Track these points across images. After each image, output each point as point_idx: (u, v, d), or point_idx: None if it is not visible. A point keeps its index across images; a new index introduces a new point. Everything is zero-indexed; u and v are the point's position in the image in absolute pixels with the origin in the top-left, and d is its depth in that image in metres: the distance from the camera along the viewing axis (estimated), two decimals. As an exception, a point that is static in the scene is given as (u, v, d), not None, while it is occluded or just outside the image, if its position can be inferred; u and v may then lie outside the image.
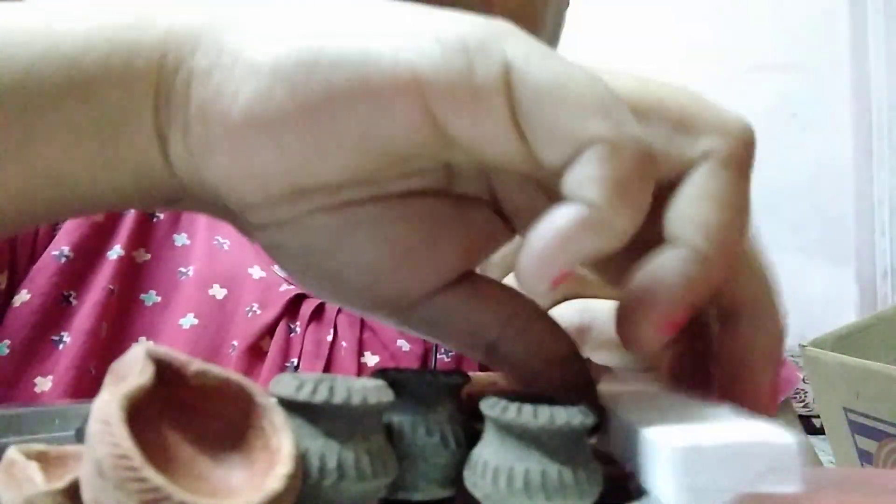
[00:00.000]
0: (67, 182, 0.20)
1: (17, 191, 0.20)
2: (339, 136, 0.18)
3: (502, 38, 0.17)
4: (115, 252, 0.41)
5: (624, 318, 0.19)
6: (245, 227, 0.21)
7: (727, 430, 0.16)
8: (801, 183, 2.41)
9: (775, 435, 0.15)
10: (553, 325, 0.22)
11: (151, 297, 0.42)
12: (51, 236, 0.41)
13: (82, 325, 0.39)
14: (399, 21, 0.18)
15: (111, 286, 0.40)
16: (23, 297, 0.39)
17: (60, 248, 0.40)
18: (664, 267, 0.18)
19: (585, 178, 0.16)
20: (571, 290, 0.27)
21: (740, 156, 0.19)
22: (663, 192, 0.19)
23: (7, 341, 0.39)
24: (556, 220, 0.16)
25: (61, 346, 0.39)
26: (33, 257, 0.41)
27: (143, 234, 0.43)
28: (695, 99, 0.19)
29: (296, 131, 0.18)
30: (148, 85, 0.19)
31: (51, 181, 0.20)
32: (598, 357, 0.26)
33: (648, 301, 0.18)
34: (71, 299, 0.40)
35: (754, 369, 0.20)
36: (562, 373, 0.21)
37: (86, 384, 0.38)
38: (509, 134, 0.17)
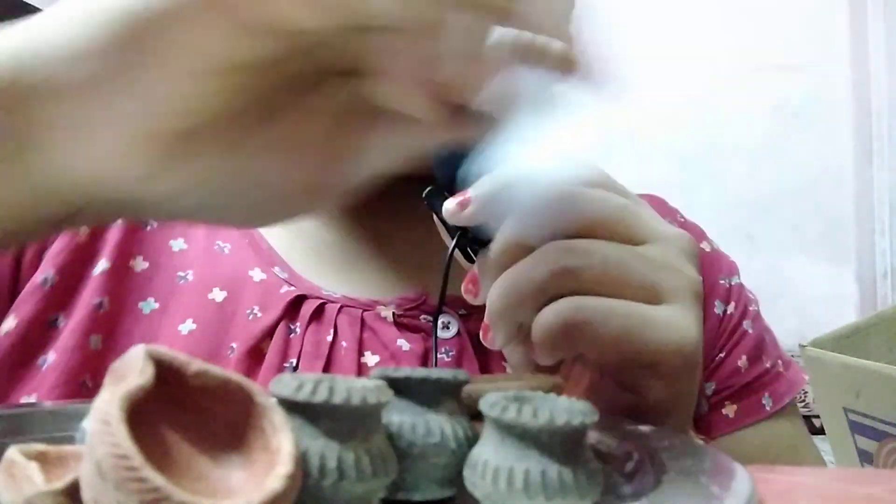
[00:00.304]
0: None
1: None
2: (172, 71, 0.19)
3: None
4: (101, 266, 0.41)
5: None
6: (154, 209, 0.22)
7: None
8: (801, 183, 2.41)
9: None
10: None
11: (150, 305, 0.42)
12: (36, 265, 0.41)
13: (66, 342, 0.39)
14: None
15: (99, 299, 0.40)
16: (9, 324, 0.39)
17: (46, 272, 0.40)
18: None
19: None
20: (566, 287, 0.27)
21: None
22: None
23: None
24: None
25: (44, 367, 0.39)
26: (16, 288, 0.41)
27: (137, 243, 0.43)
28: None
29: (122, 81, 0.19)
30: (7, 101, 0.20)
31: None
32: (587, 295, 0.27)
33: None
34: (58, 322, 0.40)
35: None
36: None
37: (81, 399, 0.38)
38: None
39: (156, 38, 0.18)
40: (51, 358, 0.39)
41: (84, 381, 0.39)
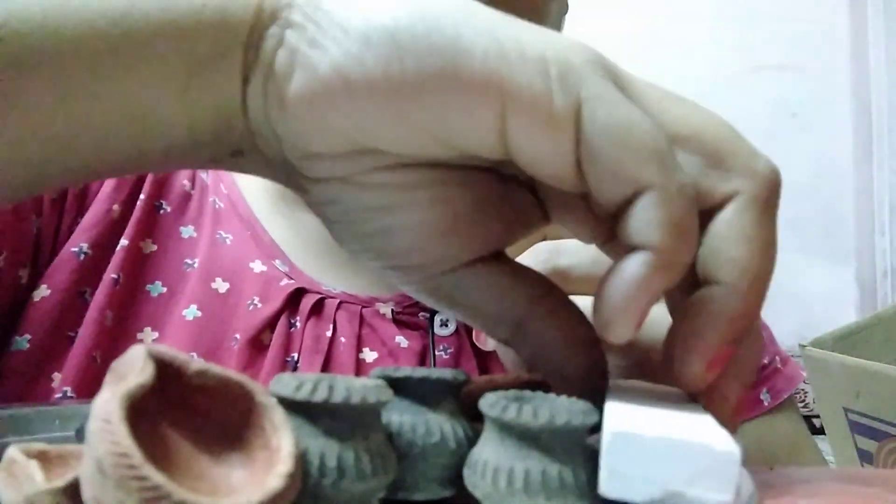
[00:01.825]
0: (146, 120, 0.20)
1: (89, 127, 0.20)
2: (415, 114, 0.19)
3: (583, 69, 0.18)
4: (123, 242, 0.42)
5: (674, 355, 0.20)
6: (300, 182, 0.22)
7: (674, 425, 0.16)
8: (801, 183, 2.41)
9: (719, 440, 0.15)
10: (579, 311, 0.23)
11: (157, 288, 0.42)
12: (70, 232, 0.41)
13: (91, 315, 0.40)
14: (483, 19, 0.19)
15: (116, 275, 0.41)
16: (42, 292, 0.40)
17: (79, 244, 0.41)
18: (708, 306, 0.19)
19: (648, 223, 0.18)
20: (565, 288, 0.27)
21: (768, 197, 0.20)
22: None
23: (28, 336, 0.39)
24: (630, 269, 0.18)
25: (76, 341, 0.39)
26: (53, 253, 0.41)
27: (151, 225, 0.43)
28: (730, 134, 0.20)
29: (376, 101, 0.19)
30: (241, 28, 0.20)
31: (127, 118, 0.20)
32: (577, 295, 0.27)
33: (697, 338, 0.19)
34: (86, 296, 0.41)
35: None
36: (586, 357, 0.22)
37: (91, 374, 0.38)
38: (568, 163, 0.18)
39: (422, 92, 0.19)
40: (81, 333, 0.39)
41: (95, 355, 0.39)
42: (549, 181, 0.20)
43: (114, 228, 0.42)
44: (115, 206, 0.42)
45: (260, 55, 0.20)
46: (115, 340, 0.40)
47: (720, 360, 0.19)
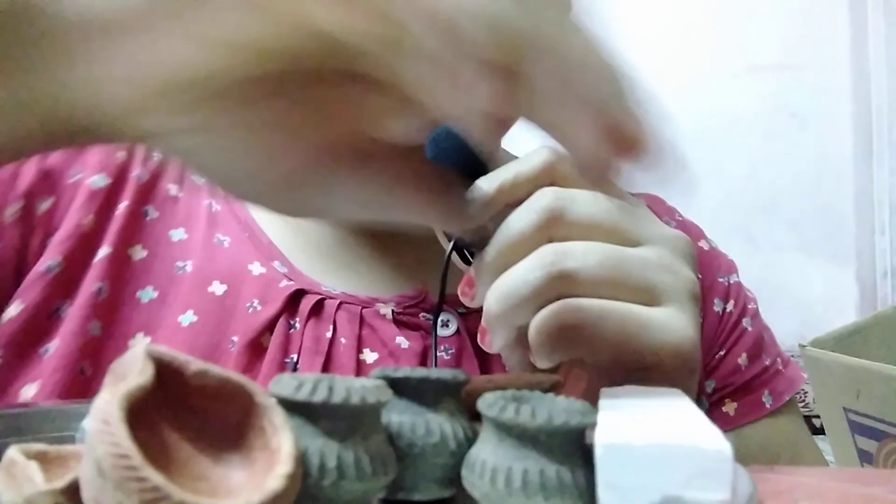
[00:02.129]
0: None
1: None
2: (200, 34, 0.19)
3: None
4: (102, 252, 0.41)
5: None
6: (146, 139, 0.22)
7: (665, 429, 0.16)
8: (801, 182, 2.41)
9: (709, 440, 0.15)
10: None
11: (148, 294, 0.42)
12: (40, 252, 0.41)
13: (67, 328, 0.39)
14: None
15: (99, 285, 0.40)
16: (12, 311, 0.39)
17: (50, 260, 0.40)
18: None
19: None
20: (562, 289, 0.27)
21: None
22: None
23: None
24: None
25: (46, 356, 0.39)
26: (22, 274, 0.41)
27: (138, 232, 0.43)
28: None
29: (154, 31, 0.19)
30: (38, 14, 0.20)
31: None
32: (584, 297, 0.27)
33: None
34: (61, 311, 0.40)
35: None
36: None
37: (78, 385, 0.38)
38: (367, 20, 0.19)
39: (194, 6, 0.19)
40: (53, 347, 0.39)
41: (83, 367, 0.39)
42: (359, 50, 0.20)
43: (87, 240, 0.42)
44: (88, 218, 0.42)
45: (57, 34, 0.20)
46: (104, 350, 0.40)
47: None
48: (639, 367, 0.27)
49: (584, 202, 0.28)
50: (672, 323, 0.27)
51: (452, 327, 0.42)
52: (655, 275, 0.28)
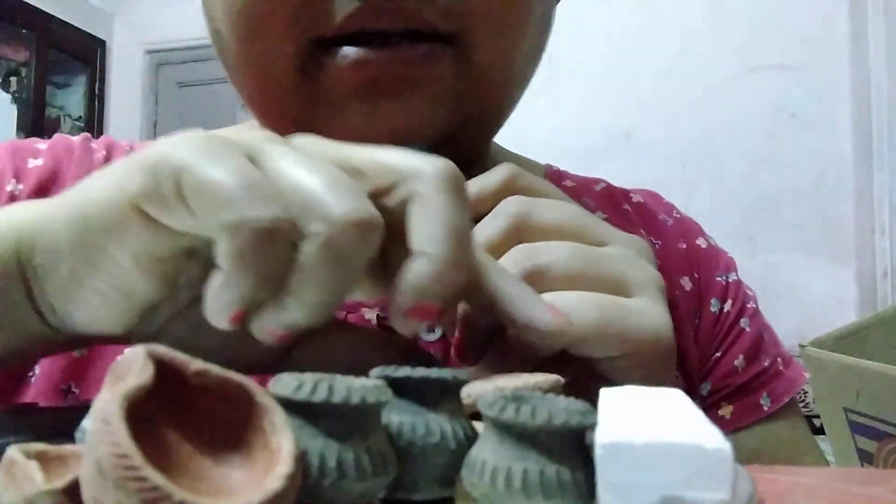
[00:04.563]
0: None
1: None
2: (106, 269, 0.23)
3: (172, 153, 0.21)
4: None
5: (392, 315, 0.23)
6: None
7: (664, 428, 0.16)
8: (801, 183, 2.41)
9: (709, 439, 0.15)
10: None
11: None
12: None
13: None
14: (111, 171, 0.23)
15: None
16: None
17: None
18: (408, 271, 0.22)
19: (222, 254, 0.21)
20: (536, 286, 0.27)
21: (444, 183, 0.22)
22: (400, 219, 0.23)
23: None
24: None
25: (33, 379, 0.39)
26: None
27: None
28: (377, 153, 0.24)
29: (81, 279, 0.24)
30: (13, 269, 0.24)
31: None
32: (557, 292, 0.27)
33: (402, 298, 0.22)
34: None
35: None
36: None
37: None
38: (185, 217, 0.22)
39: (102, 240, 0.23)
40: (38, 370, 0.39)
41: (69, 386, 0.38)
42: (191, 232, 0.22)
43: None
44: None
45: (36, 285, 0.25)
46: (90, 368, 0.39)
47: (426, 312, 0.22)
48: (620, 356, 0.27)
49: (548, 207, 0.29)
50: (648, 311, 0.28)
51: (438, 332, 0.42)
52: (624, 268, 0.28)
